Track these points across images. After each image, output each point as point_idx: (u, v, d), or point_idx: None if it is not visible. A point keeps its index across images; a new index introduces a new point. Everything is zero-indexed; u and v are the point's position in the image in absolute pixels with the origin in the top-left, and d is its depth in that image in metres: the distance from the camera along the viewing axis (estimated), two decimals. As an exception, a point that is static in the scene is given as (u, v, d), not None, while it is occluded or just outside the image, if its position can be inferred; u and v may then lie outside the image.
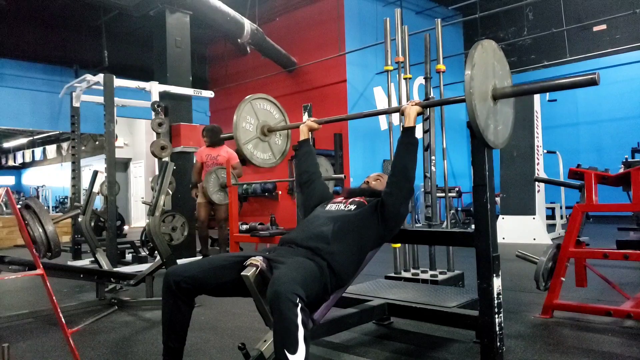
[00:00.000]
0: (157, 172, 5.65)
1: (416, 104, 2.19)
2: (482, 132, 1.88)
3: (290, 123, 2.91)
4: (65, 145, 16.67)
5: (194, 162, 6.04)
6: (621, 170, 3.96)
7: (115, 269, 4.49)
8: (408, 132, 2.16)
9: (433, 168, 3.44)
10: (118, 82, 5.48)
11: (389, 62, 3.56)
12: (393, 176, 2.14)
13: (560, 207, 8.32)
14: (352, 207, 2.20)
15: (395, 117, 3.69)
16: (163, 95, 6.00)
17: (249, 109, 2.74)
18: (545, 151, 7.68)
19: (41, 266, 2.06)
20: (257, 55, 10.23)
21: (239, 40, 9.29)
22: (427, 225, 3.43)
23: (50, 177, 19.97)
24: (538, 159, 7.17)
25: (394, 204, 2.11)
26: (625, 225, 5.36)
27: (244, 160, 2.80)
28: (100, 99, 5.53)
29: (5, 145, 20.23)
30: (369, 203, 2.23)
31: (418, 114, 2.20)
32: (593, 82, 1.78)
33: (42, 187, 19.25)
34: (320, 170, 4.22)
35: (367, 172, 3.25)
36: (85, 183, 6.63)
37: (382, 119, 10.29)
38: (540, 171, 7.21)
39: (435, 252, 3.53)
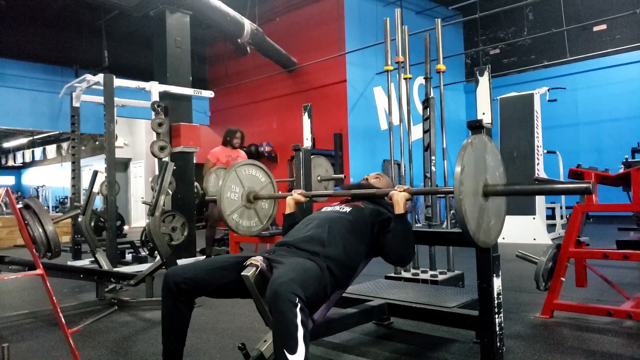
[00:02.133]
0: (157, 172, 5.65)
1: (404, 190, 2.15)
2: (473, 235, 1.82)
3: (278, 193, 2.90)
4: (65, 145, 16.66)
5: (207, 162, 6.04)
6: (621, 170, 3.96)
7: (115, 269, 4.49)
8: (399, 219, 2.13)
9: (433, 168, 3.44)
10: (118, 82, 5.48)
11: (389, 62, 3.56)
12: (391, 259, 2.24)
13: (560, 207, 8.32)
14: (348, 209, 2.21)
15: (395, 117, 3.69)
16: (163, 95, 6.00)
17: (233, 178, 2.73)
18: (545, 151, 7.68)
19: (41, 266, 2.06)
20: (257, 55, 10.23)
21: (239, 40, 9.29)
22: (427, 225, 3.43)
23: (50, 177, 19.97)
24: (538, 159, 7.17)
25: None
26: (625, 225, 5.36)
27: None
28: (100, 99, 5.53)
29: (5, 145, 20.23)
30: (366, 207, 2.23)
31: (407, 200, 2.17)
32: (588, 192, 1.75)
33: (42, 187, 19.25)
34: (320, 170, 4.24)
35: (367, 172, 3.25)
36: (85, 183, 6.63)
37: (382, 118, 10.29)
38: (540, 171, 7.20)
39: (435, 252, 3.53)
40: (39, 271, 2.04)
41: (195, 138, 6.26)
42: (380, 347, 2.51)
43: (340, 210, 2.21)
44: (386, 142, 3.87)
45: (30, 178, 22.34)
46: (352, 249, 2.04)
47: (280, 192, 2.92)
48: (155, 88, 5.91)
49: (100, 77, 5.45)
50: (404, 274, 3.55)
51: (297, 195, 2.55)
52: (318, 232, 2.03)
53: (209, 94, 7.10)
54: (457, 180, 1.75)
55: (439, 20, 3.58)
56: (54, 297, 2.03)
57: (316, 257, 1.90)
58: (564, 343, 2.49)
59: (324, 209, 2.30)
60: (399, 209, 2.13)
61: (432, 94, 3.51)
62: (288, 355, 1.49)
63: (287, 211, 2.53)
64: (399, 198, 2.13)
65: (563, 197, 8.17)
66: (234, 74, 11.92)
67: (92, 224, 5.40)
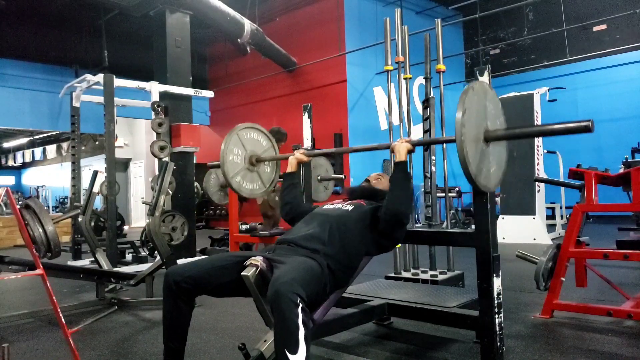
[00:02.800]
0: (157, 172, 5.65)
1: (406, 142, 2.18)
2: (474, 178, 1.86)
3: (279, 153, 2.90)
4: (65, 145, 16.66)
5: None
6: (621, 170, 3.96)
7: (115, 269, 4.49)
8: (399, 166, 2.14)
9: (433, 168, 3.44)
10: (118, 82, 5.48)
11: (389, 62, 3.56)
12: (387, 209, 2.08)
13: (560, 207, 8.32)
14: (350, 207, 2.20)
15: (395, 117, 3.69)
16: (163, 95, 6.00)
17: (235, 140, 2.72)
18: (545, 151, 7.68)
19: (41, 266, 2.06)
20: (257, 55, 10.23)
21: (239, 40, 9.29)
22: (427, 225, 3.43)
23: (50, 177, 19.97)
24: (538, 159, 7.17)
25: (390, 232, 2.12)
26: (625, 225, 5.36)
27: None
28: (100, 99, 5.53)
29: (5, 145, 20.22)
30: (368, 205, 2.23)
31: (408, 152, 2.18)
32: (587, 129, 1.76)
33: (42, 187, 19.25)
34: (320, 170, 4.24)
35: (367, 172, 3.24)
36: (85, 183, 6.63)
37: (382, 118, 10.29)
38: (540, 171, 7.20)
39: (435, 252, 3.53)
40: (39, 271, 2.04)
41: (195, 138, 6.26)
42: (380, 347, 2.51)
43: (342, 208, 2.21)
44: (386, 142, 3.86)
45: (30, 178, 22.33)
46: (352, 247, 2.04)
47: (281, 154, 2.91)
48: (155, 88, 5.91)
49: (100, 77, 5.45)
50: (404, 274, 3.55)
51: (299, 154, 2.59)
52: (319, 231, 2.03)
53: (209, 94, 7.10)
54: (459, 124, 1.78)
55: (439, 20, 3.58)
56: (54, 297, 2.03)
57: (316, 255, 1.90)
58: (564, 343, 2.49)
59: (325, 207, 2.30)
60: (400, 156, 2.14)
61: (432, 94, 3.51)
62: (289, 356, 1.49)
63: (289, 170, 2.56)
64: (400, 147, 2.16)
65: (563, 197, 8.17)
66: (234, 74, 11.92)
67: (92, 224, 5.40)
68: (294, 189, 2.54)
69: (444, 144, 3.47)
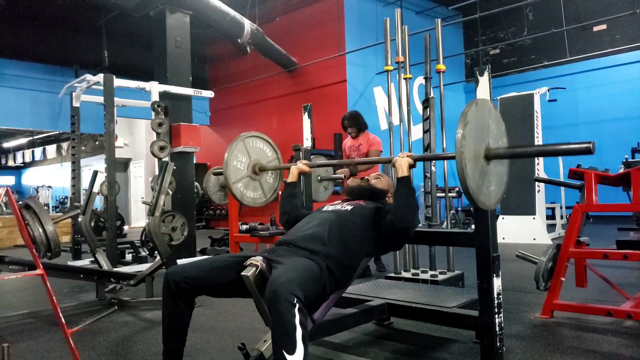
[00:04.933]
0: (157, 172, 5.65)
1: (408, 156, 2.16)
2: (472, 194, 1.82)
3: (282, 163, 2.90)
4: (65, 145, 16.67)
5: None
6: (621, 170, 3.96)
7: (115, 269, 4.49)
8: (403, 181, 2.12)
9: (433, 168, 3.45)
10: (118, 82, 5.48)
11: (389, 62, 3.56)
12: (394, 225, 2.07)
13: (560, 207, 8.32)
14: (349, 207, 2.20)
15: (395, 117, 3.69)
16: (163, 95, 6.00)
17: (241, 147, 2.73)
18: (545, 151, 7.67)
19: (41, 266, 2.06)
20: (257, 55, 10.23)
21: (239, 40, 9.30)
22: (427, 226, 3.43)
23: (50, 177, 19.97)
24: (538, 159, 7.17)
25: (394, 239, 2.16)
26: (625, 225, 5.36)
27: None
28: (100, 99, 5.53)
29: (5, 145, 20.22)
30: (368, 206, 2.23)
31: (409, 166, 2.17)
32: (588, 151, 1.75)
33: (42, 187, 19.25)
34: (320, 170, 4.24)
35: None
36: (85, 183, 6.63)
37: (382, 119, 10.29)
38: (540, 171, 7.21)
39: (435, 252, 3.53)
40: (39, 271, 2.04)
41: (195, 138, 6.26)
42: (380, 347, 2.51)
43: (342, 209, 2.21)
44: (386, 142, 3.87)
45: (30, 178, 22.33)
46: (352, 248, 2.04)
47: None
48: (155, 88, 5.91)
49: (100, 77, 5.45)
50: (404, 274, 3.55)
51: (301, 165, 2.59)
52: (319, 231, 2.03)
53: (209, 94, 7.10)
54: (460, 136, 1.76)
55: (439, 20, 3.59)
56: (54, 297, 2.03)
57: (316, 256, 1.90)
58: (564, 343, 2.49)
59: (325, 208, 2.30)
60: (403, 171, 2.13)
61: (432, 94, 3.51)
62: (287, 356, 1.49)
63: (290, 179, 2.56)
64: (402, 162, 2.15)
65: (563, 197, 8.17)
66: (234, 74, 11.92)
67: (92, 224, 5.40)
68: (293, 198, 2.52)
69: (444, 143, 3.47)
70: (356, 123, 4.72)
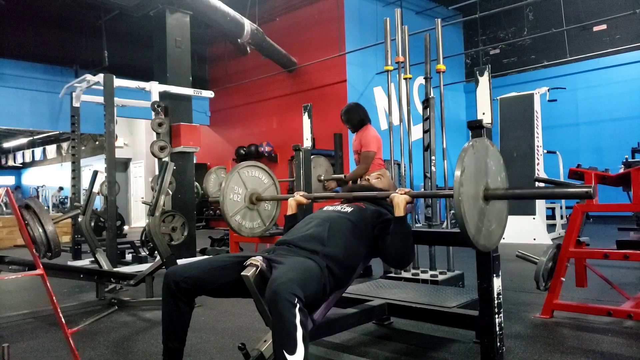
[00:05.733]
0: (157, 172, 5.65)
1: (405, 193, 2.16)
2: (472, 238, 1.80)
3: (280, 194, 2.91)
4: (65, 145, 16.67)
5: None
6: (621, 170, 3.96)
7: (115, 269, 4.49)
8: (399, 221, 2.13)
9: (433, 168, 3.45)
10: (118, 82, 5.48)
11: (389, 62, 3.56)
12: (392, 260, 2.18)
13: (560, 207, 8.31)
14: (349, 209, 2.20)
15: (396, 117, 3.69)
16: (163, 95, 6.00)
17: (236, 179, 2.73)
18: (545, 151, 7.67)
19: (41, 266, 2.06)
20: (257, 55, 10.23)
21: (239, 40, 9.29)
22: (427, 225, 3.43)
23: (50, 177, 19.97)
24: (538, 159, 7.17)
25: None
26: (625, 225, 5.36)
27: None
28: (100, 99, 5.53)
29: (5, 145, 20.23)
30: (368, 208, 2.23)
31: (407, 204, 2.17)
32: (588, 195, 1.75)
33: (42, 187, 19.25)
34: (320, 170, 4.24)
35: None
36: (85, 183, 6.63)
37: (382, 119, 10.29)
38: (540, 171, 7.20)
39: (435, 252, 3.53)
40: (39, 271, 2.04)
41: (195, 138, 6.26)
42: (380, 347, 2.51)
43: (342, 210, 2.21)
44: (386, 142, 3.87)
45: (30, 178, 22.33)
46: (352, 248, 2.04)
47: (282, 194, 2.92)
48: (155, 88, 5.91)
49: (100, 77, 5.45)
50: (404, 274, 3.55)
51: (299, 196, 2.56)
52: (318, 231, 2.03)
53: (209, 94, 7.10)
54: (457, 183, 1.74)
55: (439, 20, 3.58)
56: (54, 297, 2.03)
57: (316, 256, 1.90)
58: (564, 343, 2.49)
59: (325, 208, 2.30)
60: (399, 211, 2.13)
61: (432, 94, 3.51)
62: (287, 356, 1.49)
63: (289, 212, 2.53)
64: (399, 201, 2.14)
65: (563, 197, 8.16)
66: (234, 74, 11.92)
67: (92, 224, 5.40)
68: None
69: (444, 143, 3.47)
70: (349, 118, 4.31)
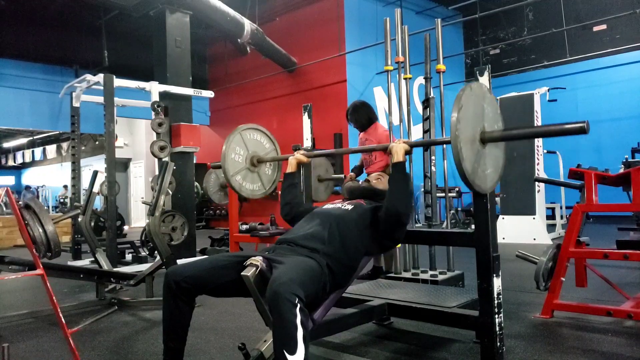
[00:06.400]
0: (157, 172, 5.65)
1: (404, 142, 2.21)
2: (468, 176, 1.83)
3: (280, 155, 2.90)
4: (65, 145, 16.67)
5: None
6: (621, 170, 3.96)
7: (115, 269, 4.49)
8: (397, 167, 2.16)
9: (433, 168, 3.44)
10: (118, 82, 5.48)
11: (389, 62, 3.56)
12: (387, 210, 2.10)
13: (560, 207, 8.31)
14: (350, 207, 2.20)
15: (396, 117, 3.69)
16: (163, 95, 6.00)
17: (238, 140, 2.73)
18: (545, 151, 7.68)
19: (41, 266, 2.06)
20: (257, 55, 10.23)
21: (239, 40, 9.29)
22: (427, 225, 3.43)
23: (50, 177, 19.97)
24: (538, 159, 7.17)
25: (391, 232, 2.12)
26: (625, 225, 5.35)
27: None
28: (100, 99, 5.53)
29: (5, 145, 20.23)
30: (368, 205, 2.23)
31: (406, 152, 2.21)
32: (582, 131, 1.76)
33: (42, 187, 19.25)
34: (320, 170, 4.23)
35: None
36: (85, 183, 6.63)
37: (382, 119, 10.28)
38: (540, 171, 7.20)
39: (435, 252, 3.53)
40: (39, 271, 2.04)
41: (195, 138, 6.26)
42: (380, 347, 2.51)
43: (342, 208, 2.21)
44: (386, 142, 3.86)
45: (30, 178, 22.33)
46: (352, 247, 2.04)
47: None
48: (155, 88, 5.91)
49: (100, 77, 5.45)
50: (404, 274, 3.55)
51: (299, 155, 2.61)
52: (319, 230, 2.03)
53: (209, 94, 7.10)
54: (454, 120, 1.78)
55: (439, 20, 3.58)
56: (54, 297, 2.03)
57: (316, 255, 1.90)
58: (564, 343, 2.49)
59: (325, 207, 2.30)
60: (398, 157, 2.17)
61: (432, 94, 3.51)
62: (288, 356, 1.49)
63: (289, 170, 2.58)
64: (398, 149, 2.19)
65: (563, 197, 8.17)
66: (234, 74, 11.92)
67: (92, 224, 5.40)
68: (293, 189, 2.55)
69: (444, 145, 3.47)
70: (357, 117, 4.20)
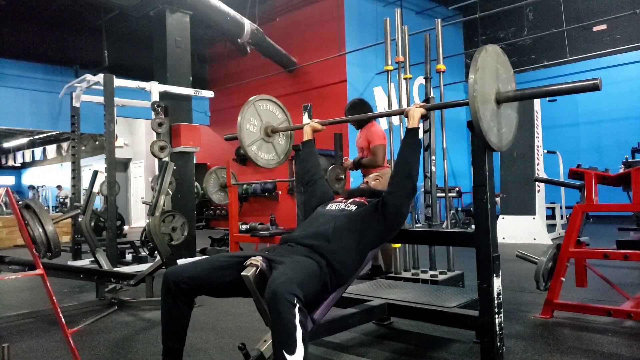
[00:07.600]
0: (157, 172, 5.65)
1: (420, 106, 2.20)
2: (485, 134, 1.91)
3: (293, 124, 2.92)
4: (65, 145, 16.67)
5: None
6: (621, 170, 3.96)
7: (115, 269, 4.49)
8: (412, 132, 2.18)
9: (433, 168, 3.44)
10: (118, 82, 5.48)
11: (389, 62, 3.56)
12: (396, 175, 2.14)
13: (560, 207, 8.32)
14: (353, 207, 2.20)
15: (396, 117, 3.69)
16: (163, 95, 6.00)
17: (252, 111, 2.75)
18: (545, 151, 7.68)
19: (41, 266, 2.06)
20: (257, 55, 10.23)
21: (239, 40, 9.29)
22: (427, 225, 3.43)
23: (50, 177, 19.97)
24: (538, 159, 7.17)
25: (396, 203, 2.11)
26: (625, 225, 5.36)
27: (247, 158, 2.77)
28: (100, 99, 5.53)
29: (5, 145, 20.23)
30: (370, 203, 2.23)
31: (422, 116, 2.22)
32: (595, 88, 1.80)
33: (42, 187, 19.25)
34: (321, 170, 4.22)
35: (367, 172, 3.23)
36: (85, 183, 6.63)
37: (382, 119, 10.28)
38: (540, 171, 7.21)
39: (435, 252, 3.52)
40: (39, 271, 2.04)
41: (195, 138, 6.26)
42: (380, 347, 2.51)
43: (346, 207, 2.21)
44: (386, 142, 3.86)
45: (30, 178, 22.33)
46: (355, 246, 2.04)
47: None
48: (155, 88, 5.91)
49: (100, 77, 5.45)
50: (404, 274, 3.55)
51: (313, 123, 2.68)
52: (324, 229, 2.03)
53: (209, 94, 7.10)
54: (472, 80, 1.85)
55: (439, 20, 3.58)
56: (54, 297, 2.03)
57: (315, 254, 1.90)
58: (564, 343, 2.49)
59: (329, 207, 2.30)
60: (414, 122, 2.18)
61: (432, 94, 3.51)
62: (287, 356, 1.49)
63: (305, 138, 2.65)
64: (414, 112, 2.20)
65: (563, 197, 8.17)
66: (234, 74, 11.92)
67: (92, 224, 5.40)
68: (312, 156, 2.62)
69: (444, 143, 3.47)
70: (355, 115, 3.86)
